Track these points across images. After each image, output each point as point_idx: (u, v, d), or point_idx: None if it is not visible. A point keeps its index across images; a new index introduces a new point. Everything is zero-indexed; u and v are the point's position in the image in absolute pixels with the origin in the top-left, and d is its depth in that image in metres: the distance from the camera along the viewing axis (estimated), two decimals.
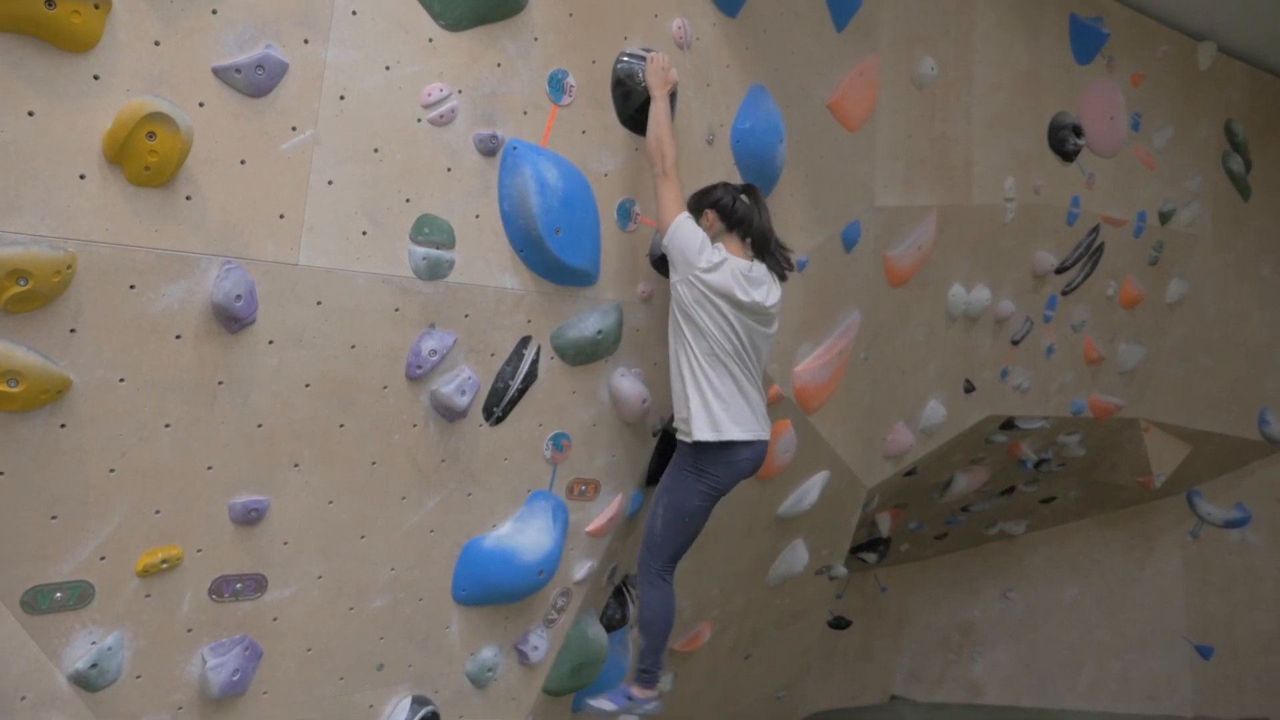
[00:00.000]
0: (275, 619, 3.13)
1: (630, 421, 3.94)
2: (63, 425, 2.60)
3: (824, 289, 4.86)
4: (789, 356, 4.73)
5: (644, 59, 3.60)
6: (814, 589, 6.37)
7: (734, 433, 3.60)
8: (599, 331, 3.63)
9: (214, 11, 2.70)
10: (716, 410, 3.57)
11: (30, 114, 2.43)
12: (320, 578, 3.20)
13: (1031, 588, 8.94)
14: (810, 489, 5.38)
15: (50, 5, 2.39)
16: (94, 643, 2.77)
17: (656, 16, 3.75)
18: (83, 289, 2.56)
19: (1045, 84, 6.07)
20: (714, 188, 3.71)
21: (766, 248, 3.69)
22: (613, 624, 4.28)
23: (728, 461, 3.66)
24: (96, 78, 2.53)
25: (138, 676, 2.88)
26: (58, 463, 2.61)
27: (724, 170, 4.08)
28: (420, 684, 3.54)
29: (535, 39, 3.37)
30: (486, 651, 3.68)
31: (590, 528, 3.88)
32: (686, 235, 3.48)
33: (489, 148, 3.28)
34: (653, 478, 4.18)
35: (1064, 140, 6.19)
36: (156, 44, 2.62)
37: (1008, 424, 6.84)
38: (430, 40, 3.13)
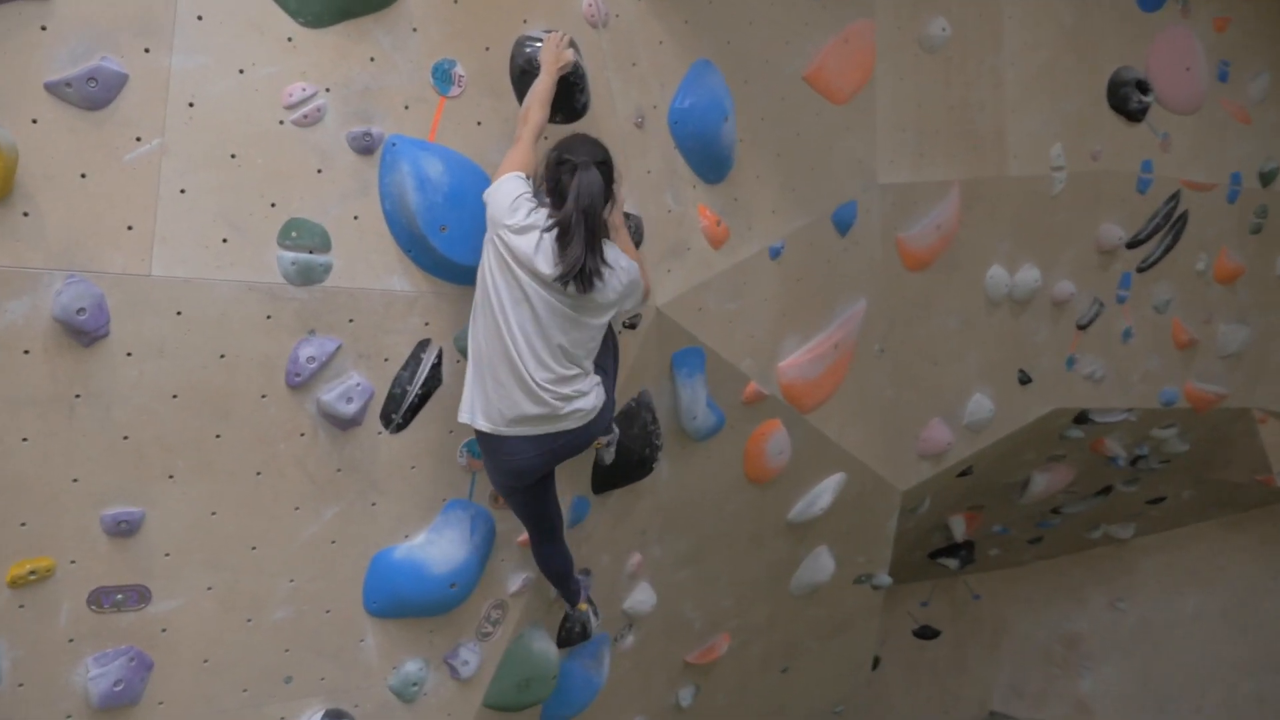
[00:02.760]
0: (164, 630, 3.12)
1: None
2: None
3: (811, 277, 4.49)
4: (768, 352, 4.40)
5: None
6: (855, 599, 5.95)
7: (495, 428, 3.17)
8: None
9: (43, 28, 2.70)
10: (482, 395, 3.17)
11: None
12: (210, 589, 3.17)
13: (1146, 597, 8.10)
14: (822, 492, 5.01)
15: None
16: None
17: None
18: None
19: (1099, 38, 5.44)
20: (567, 142, 3.22)
21: (573, 237, 3.04)
22: (572, 638, 4.09)
23: (496, 454, 3.27)
24: None
25: (20, 685, 2.93)
26: None
27: (660, 154, 3.81)
28: (335, 697, 3.47)
29: (414, 30, 3.23)
30: (411, 665, 3.58)
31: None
32: (504, 190, 3.10)
33: (364, 146, 3.16)
34: (600, 484, 3.97)
35: (1127, 98, 5.52)
36: None
37: (1082, 417, 6.17)
38: (289, 39, 3.03)
